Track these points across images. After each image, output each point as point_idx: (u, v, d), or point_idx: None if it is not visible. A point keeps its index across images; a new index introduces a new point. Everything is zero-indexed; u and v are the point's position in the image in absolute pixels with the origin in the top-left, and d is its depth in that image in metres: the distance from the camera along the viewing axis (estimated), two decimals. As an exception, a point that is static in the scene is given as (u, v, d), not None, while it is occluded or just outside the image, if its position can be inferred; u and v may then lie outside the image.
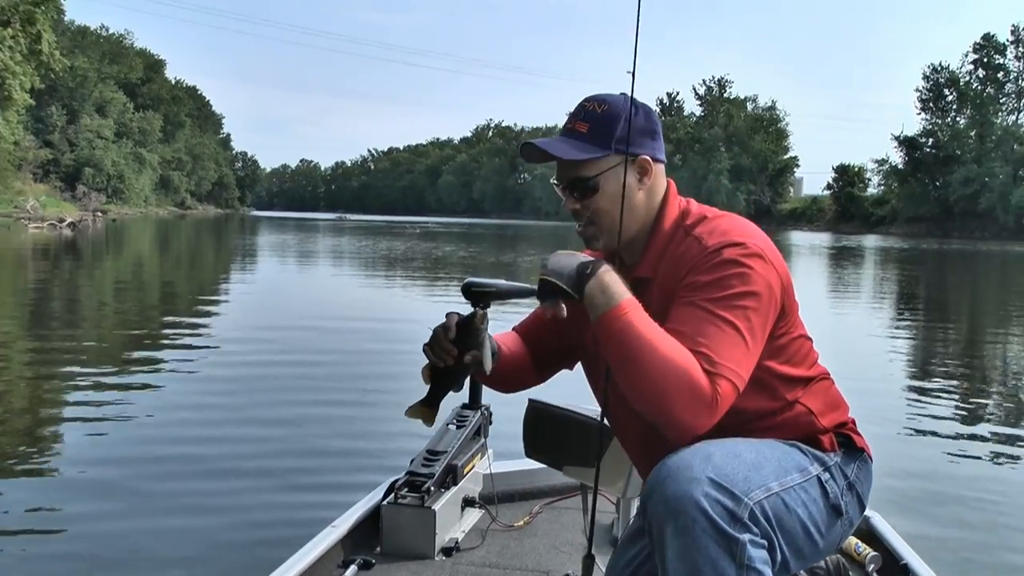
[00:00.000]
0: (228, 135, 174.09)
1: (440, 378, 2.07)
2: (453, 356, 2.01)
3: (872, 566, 3.17)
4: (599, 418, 2.23)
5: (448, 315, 2.02)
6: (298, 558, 3.01)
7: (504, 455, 4.07)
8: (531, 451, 3.32)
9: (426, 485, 3.35)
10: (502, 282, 3.56)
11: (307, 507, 4.78)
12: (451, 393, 2.13)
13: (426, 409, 2.13)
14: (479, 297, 3.42)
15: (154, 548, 4.28)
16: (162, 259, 30.98)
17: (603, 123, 2.05)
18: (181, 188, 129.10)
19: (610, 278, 1.88)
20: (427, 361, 2.05)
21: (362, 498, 3.51)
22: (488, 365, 2.03)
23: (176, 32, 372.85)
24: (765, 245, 1.98)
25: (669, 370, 1.79)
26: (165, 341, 11.00)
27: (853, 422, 2.19)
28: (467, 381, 2.23)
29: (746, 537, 1.76)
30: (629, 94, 2.10)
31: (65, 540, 4.39)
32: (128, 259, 29.64)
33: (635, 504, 3.15)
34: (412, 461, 3.53)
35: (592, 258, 1.95)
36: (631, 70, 2.07)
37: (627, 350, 1.83)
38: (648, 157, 2.08)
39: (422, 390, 2.09)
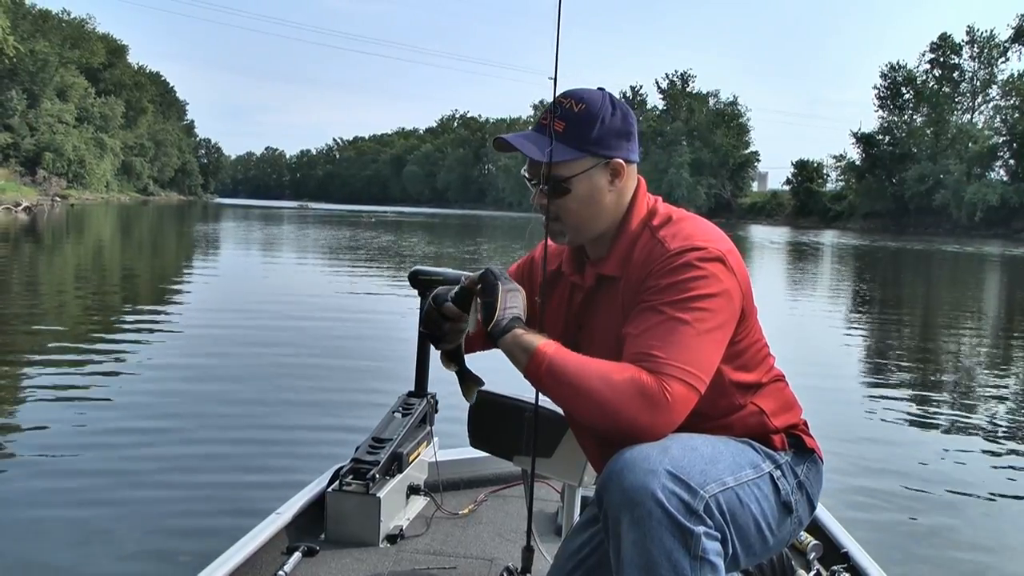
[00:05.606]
0: (192, 122, 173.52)
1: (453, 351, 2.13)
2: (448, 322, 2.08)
3: (813, 554, 3.19)
4: (534, 403, 2.24)
5: (435, 296, 2.10)
6: (242, 545, 3.00)
7: (450, 443, 4.08)
8: (475, 440, 3.33)
9: (371, 472, 3.35)
10: (449, 271, 3.58)
11: (251, 494, 4.78)
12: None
13: (471, 385, 2.13)
14: (425, 285, 3.45)
15: (95, 535, 4.25)
16: (119, 244, 30.49)
17: (580, 123, 2.03)
18: (143, 174, 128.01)
19: (522, 331, 1.94)
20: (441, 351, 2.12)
21: (306, 485, 3.52)
22: (472, 324, 2.05)
23: (139, 17, 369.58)
24: (727, 250, 1.99)
25: (607, 384, 1.82)
26: (117, 327, 10.89)
27: (805, 424, 2.22)
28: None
29: (701, 529, 1.78)
30: (605, 91, 2.10)
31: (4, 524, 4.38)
32: (86, 244, 29.19)
33: (580, 493, 3.18)
34: (357, 448, 3.54)
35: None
36: (552, 76, 2.05)
37: (561, 381, 1.87)
38: (621, 160, 2.07)
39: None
